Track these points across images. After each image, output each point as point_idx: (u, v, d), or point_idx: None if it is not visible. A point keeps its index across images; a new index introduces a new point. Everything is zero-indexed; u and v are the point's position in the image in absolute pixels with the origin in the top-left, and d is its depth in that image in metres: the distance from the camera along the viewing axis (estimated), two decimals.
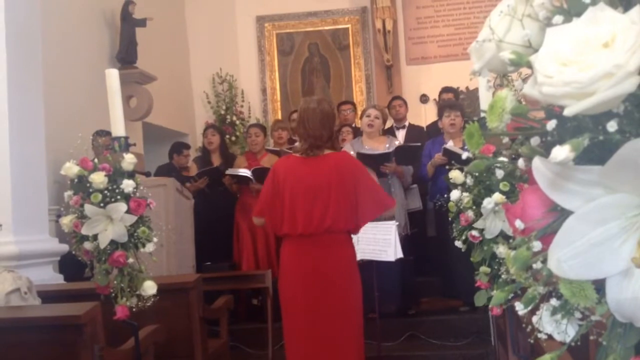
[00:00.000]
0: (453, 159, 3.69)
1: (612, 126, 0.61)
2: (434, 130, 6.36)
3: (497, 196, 2.25)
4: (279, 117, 8.26)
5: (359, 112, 8.12)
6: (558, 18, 0.68)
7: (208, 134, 6.10)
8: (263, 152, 6.03)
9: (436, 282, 5.77)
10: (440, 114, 5.46)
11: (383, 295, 4.70)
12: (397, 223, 4.78)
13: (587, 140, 0.62)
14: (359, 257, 4.34)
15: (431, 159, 5.17)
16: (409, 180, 5.42)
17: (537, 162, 0.65)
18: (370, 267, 4.48)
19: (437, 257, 5.56)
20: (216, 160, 6.02)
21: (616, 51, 0.60)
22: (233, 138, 8.24)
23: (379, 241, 4.51)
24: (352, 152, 5.18)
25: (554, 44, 0.64)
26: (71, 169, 2.42)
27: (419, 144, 5.39)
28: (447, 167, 2.83)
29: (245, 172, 5.55)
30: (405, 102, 6.65)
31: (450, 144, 5.05)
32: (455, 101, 5.95)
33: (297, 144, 4.06)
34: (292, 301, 3.27)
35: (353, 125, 6.82)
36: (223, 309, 3.90)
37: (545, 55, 0.64)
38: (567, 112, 0.61)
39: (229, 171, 5.68)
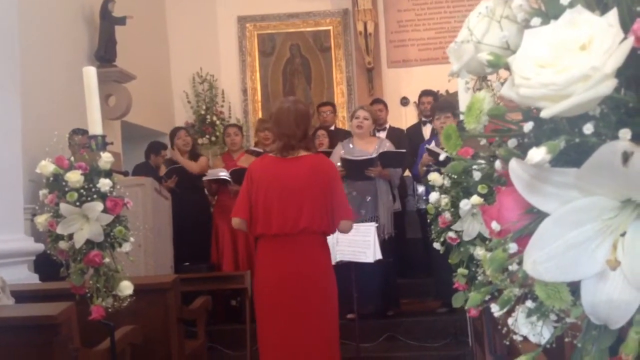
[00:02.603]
0: (437, 158, 3.71)
1: (588, 129, 0.61)
2: (415, 133, 6.38)
3: (474, 199, 2.26)
4: (260, 117, 8.24)
5: (339, 113, 8.17)
6: (536, 20, 0.68)
7: (182, 135, 6.10)
8: (240, 152, 6.03)
9: (419, 284, 5.80)
10: (432, 116, 5.48)
11: (362, 297, 4.71)
12: (377, 225, 4.80)
13: (563, 142, 0.62)
14: (338, 258, 4.35)
15: None
16: (397, 182, 5.44)
17: (513, 164, 0.65)
18: (349, 268, 4.48)
19: (422, 258, 5.59)
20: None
21: (593, 54, 0.60)
22: (213, 138, 8.20)
23: (358, 242, 4.52)
24: (342, 153, 5.21)
25: (532, 46, 0.64)
26: (47, 167, 2.38)
27: (404, 150, 5.40)
28: (433, 168, 2.84)
29: (224, 174, 5.54)
30: (385, 106, 6.66)
31: (432, 145, 5.08)
32: (446, 102, 5.96)
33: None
34: (266, 302, 3.26)
35: (332, 127, 6.82)
36: (201, 309, 3.88)
37: (522, 57, 0.64)
38: (543, 114, 0.61)
39: (208, 174, 5.66)
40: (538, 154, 0.60)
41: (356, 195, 5.10)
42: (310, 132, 3.45)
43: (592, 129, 0.61)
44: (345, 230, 3.46)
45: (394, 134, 6.27)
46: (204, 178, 5.72)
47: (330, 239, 3.74)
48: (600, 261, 0.64)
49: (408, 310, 5.52)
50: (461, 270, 2.54)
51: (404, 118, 8.09)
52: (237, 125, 6.60)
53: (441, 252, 2.66)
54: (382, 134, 6.37)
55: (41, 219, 2.39)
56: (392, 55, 8.55)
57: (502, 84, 0.71)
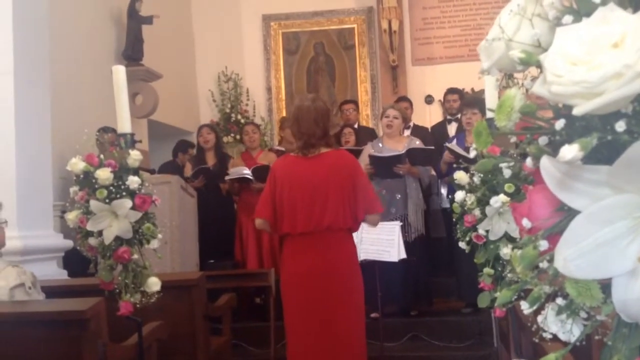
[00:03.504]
0: (459, 157, 3.69)
1: (620, 126, 0.61)
2: (440, 131, 6.35)
3: (502, 197, 2.25)
4: (283, 116, 8.26)
5: (363, 111, 8.16)
6: (568, 18, 0.68)
7: (203, 132, 6.06)
8: (258, 150, 6.05)
9: (443, 283, 5.77)
10: (460, 112, 5.45)
11: (386, 296, 4.70)
12: (401, 223, 4.78)
13: (595, 139, 0.62)
14: (362, 257, 4.35)
15: None
16: (427, 181, 5.41)
17: (545, 161, 0.65)
18: (374, 267, 4.48)
19: (446, 258, 5.55)
20: (211, 160, 5.99)
21: (626, 51, 0.60)
22: (238, 137, 8.25)
23: (383, 241, 4.51)
24: (371, 152, 5.21)
25: (564, 44, 0.64)
26: (77, 164, 2.42)
27: (432, 147, 5.37)
28: (454, 165, 2.83)
29: (246, 172, 5.56)
30: (411, 104, 6.64)
31: (453, 143, 5.04)
32: (475, 98, 5.92)
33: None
34: (293, 298, 3.27)
35: (355, 125, 6.81)
36: (226, 306, 3.91)
37: (554, 54, 0.64)
38: (576, 112, 0.61)
39: (231, 173, 5.69)
40: (570, 151, 0.60)
41: (385, 194, 5.09)
42: (331, 130, 3.42)
43: (625, 127, 0.61)
44: (373, 224, 3.49)
45: (419, 133, 6.25)
46: (227, 177, 5.74)
47: (354, 238, 3.75)
48: (631, 258, 0.64)
49: (432, 310, 5.50)
50: (487, 270, 2.53)
51: (428, 116, 8.06)
52: (254, 123, 6.63)
53: (467, 251, 2.65)
54: (407, 133, 6.35)
55: (72, 216, 2.43)
56: (416, 53, 8.51)
57: (532, 80, 0.72)
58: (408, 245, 4.77)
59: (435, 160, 5.43)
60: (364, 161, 5.17)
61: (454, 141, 5.25)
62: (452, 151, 4.86)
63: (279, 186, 3.27)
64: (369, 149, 5.30)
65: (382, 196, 5.01)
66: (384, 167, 5.09)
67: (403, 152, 5.08)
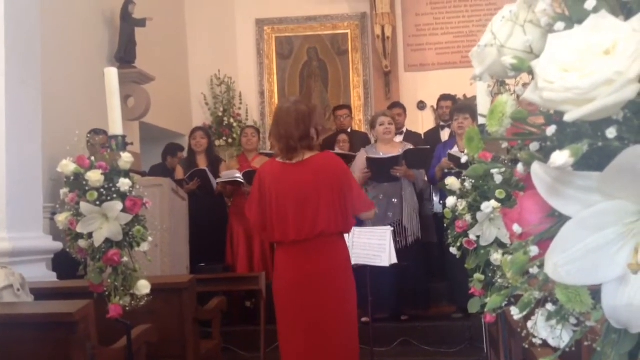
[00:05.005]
0: (459, 164, 3.69)
1: (611, 133, 0.62)
2: (433, 137, 6.36)
3: (494, 203, 2.26)
4: None
5: (355, 117, 8.18)
6: (560, 25, 0.68)
7: (197, 136, 6.04)
8: (255, 153, 6.05)
9: (434, 288, 5.77)
10: (451, 117, 5.47)
11: (376, 300, 4.70)
12: (392, 229, 4.79)
13: (586, 146, 0.62)
14: (353, 261, 4.34)
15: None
16: (421, 185, 5.43)
17: (536, 167, 0.66)
18: (364, 272, 4.47)
19: (438, 263, 5.56)
20: (202, 163, 5.97)
21: (617, 58, 0.60)
22: (230, 140, 8.24)
23: (374, 246, 4.51)
24: (365, 157, 5.22)
25: (556, 50, 0.65)
26: (68, 166, 2.41)
27: (428, 147, 5.39)
28: (453, 171, 2.84)
29: (237, 175, 5.56)
30: (404, 110, 6.65)
31: (455, 150, 5.04)
32: (465, 103, 5.93)
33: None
34: (286, 304, 3.25)
35: (349, 129, 6.82)
36: (216, 310, 3.89)
37: (546, 61, 0.65)
38: (567, 118, 0.61)
39: (223, 177, 5.68)
40: (561, 157, 0.60)
41: (383, 199, 5.10)
42: (313, 133, 3.34)
43: (615, 133, 0.62)
44: (369, 218, 3.59)
45: (412, 139, 6.26)
46: (218, 180, 5.73)
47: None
48: (621, 265, 0.64)
49: (423, 315, 5.50)
50: (477, 276, 2.53)
51: (420, 122, 8.09)
52: (254, 127, 6.63)
53: (458, 257, 2.66)
54: (399, 138, 6.36)
55: (62, 218, 2.42)
56: (409, 59, 8.54)
57: (524, 86, 0.72)
58: (405, 250, 4.77)
59: (429, 166, 5.45)
60: (358, 166, 5.18)
61: (455, 148, 5.26)
62: (453, 158, 4.85)
63: (267, 194, 3.23)
64: (363, 155, 5.31)
65: (379, 201, 5.03)
66: (381, 169, 5.10)
67: (400, 153, 5.11)
